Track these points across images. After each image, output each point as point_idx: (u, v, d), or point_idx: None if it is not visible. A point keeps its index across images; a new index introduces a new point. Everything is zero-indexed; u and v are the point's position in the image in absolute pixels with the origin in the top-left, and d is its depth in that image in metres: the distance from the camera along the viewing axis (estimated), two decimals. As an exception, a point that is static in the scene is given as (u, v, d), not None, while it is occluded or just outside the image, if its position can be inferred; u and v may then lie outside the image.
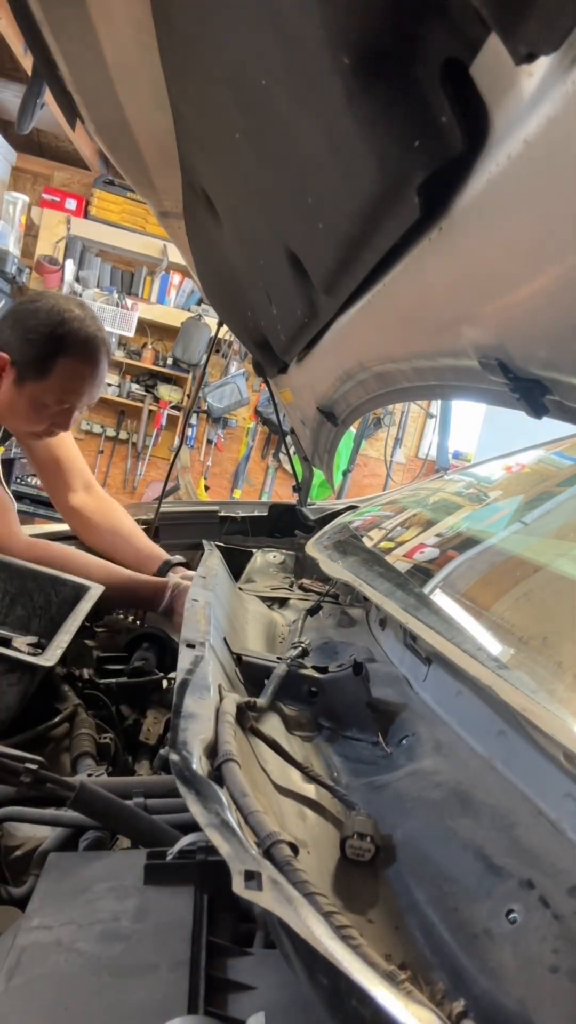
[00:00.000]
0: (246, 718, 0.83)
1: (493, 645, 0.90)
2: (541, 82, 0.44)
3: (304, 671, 1.04)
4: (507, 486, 1.71)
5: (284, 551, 2.10)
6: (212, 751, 0.60)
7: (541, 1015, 0.47)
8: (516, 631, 0.90)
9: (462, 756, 0.84)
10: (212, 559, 1.48)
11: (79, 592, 1.36)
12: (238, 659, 1.06)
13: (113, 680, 1.26)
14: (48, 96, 1.17)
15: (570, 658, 0.81)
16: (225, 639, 1.06)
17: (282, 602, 1.68)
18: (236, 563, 1.93)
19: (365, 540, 1.67)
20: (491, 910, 0.58)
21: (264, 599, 1.65)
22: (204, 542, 1.80)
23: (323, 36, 0.56)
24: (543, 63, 0.43)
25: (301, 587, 1.84)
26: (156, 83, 0.96)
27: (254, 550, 2.07)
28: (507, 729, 0.79)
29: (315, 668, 1.05)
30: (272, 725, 0.96)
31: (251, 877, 0.42)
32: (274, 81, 0.69)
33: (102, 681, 1.24)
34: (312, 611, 1.48)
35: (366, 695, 0.99)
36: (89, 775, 0.90)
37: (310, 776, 0.80)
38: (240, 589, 1.67)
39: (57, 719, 1.07)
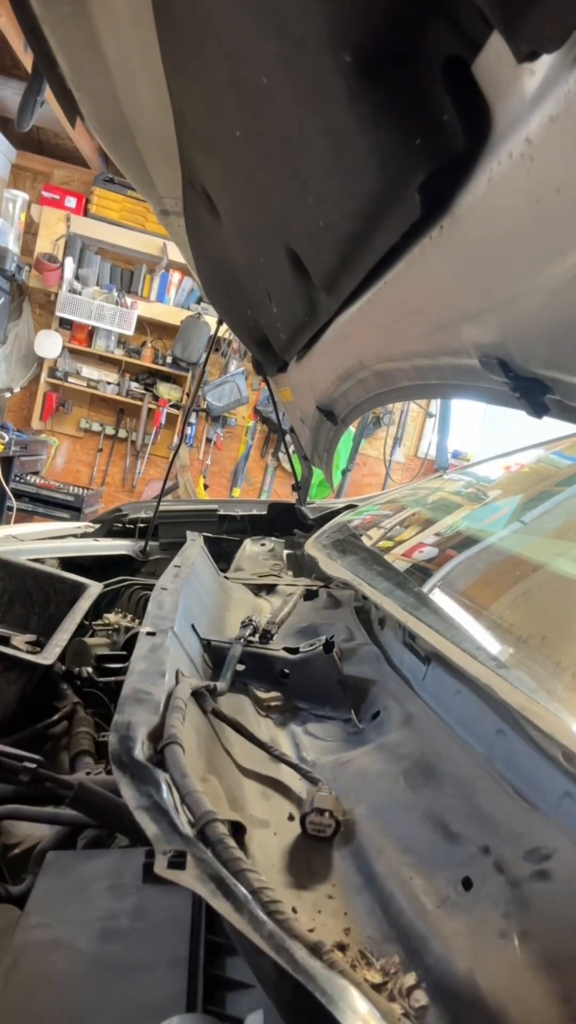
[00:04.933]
0: (206, 701, 0.83)
1: (492, 644, 0.90)
2: (543, 80, 0.44)
3: (274, 652, 1.04)
4: (506, 485, 1.71)
5: (273, 539, 2.10)
6: (158, 735, 0.60)
7: (487, 980, 0.48)
8: (515, 630, 0.90)
9: (430, 728, 0.84)
10: (192, 549, 1.47)
11: (78, 590, 1.35)
12: (207, 644, 1.06)
13: (112, 678, 1.26)
14: (48, 93, 1.17)
15: (569, 657, 0.81)
16: (193, 626, 1.05)
17: (269, 588, 1.68)
18: (228, 553, 1.93)
19: (364, 539, 1.67)
20: (447, 878, 0.58)
21: (251, 586, 1.65)
22: (188, 532, 1.79)
23: (324, 34, 0.55)
24: (545, 61, 0.43)
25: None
26: (156, 81, 0.96)
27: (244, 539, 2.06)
28: (506, 728, 0.79)
29: (286, 649, 1.05)
30: (243, 708, 0.96)
31: (176, 857, 0.42)
32: (275, 79, 0.69)
33: (101, 679, 1.24)
34: (308, 596, 1.48)
35: (337, 673, 1.00)
36: (88, 773, 0.90)
37: (274, 755, 0.80)
38: (227, 577, 1.66)
39: (56, 717, 1.07)
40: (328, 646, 1.01)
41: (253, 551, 1.98)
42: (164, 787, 0.50)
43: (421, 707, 0.90)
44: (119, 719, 0.61)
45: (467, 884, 0.56)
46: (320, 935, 0.55)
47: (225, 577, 1.66)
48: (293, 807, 0.74)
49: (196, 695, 0.79)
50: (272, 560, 1.96)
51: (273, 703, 1.01)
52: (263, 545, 2.07)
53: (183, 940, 0.54)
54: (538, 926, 0.50)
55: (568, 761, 0.61)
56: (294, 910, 0.58)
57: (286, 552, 2.07)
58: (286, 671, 1.03)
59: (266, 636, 1.12)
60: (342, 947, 0.55)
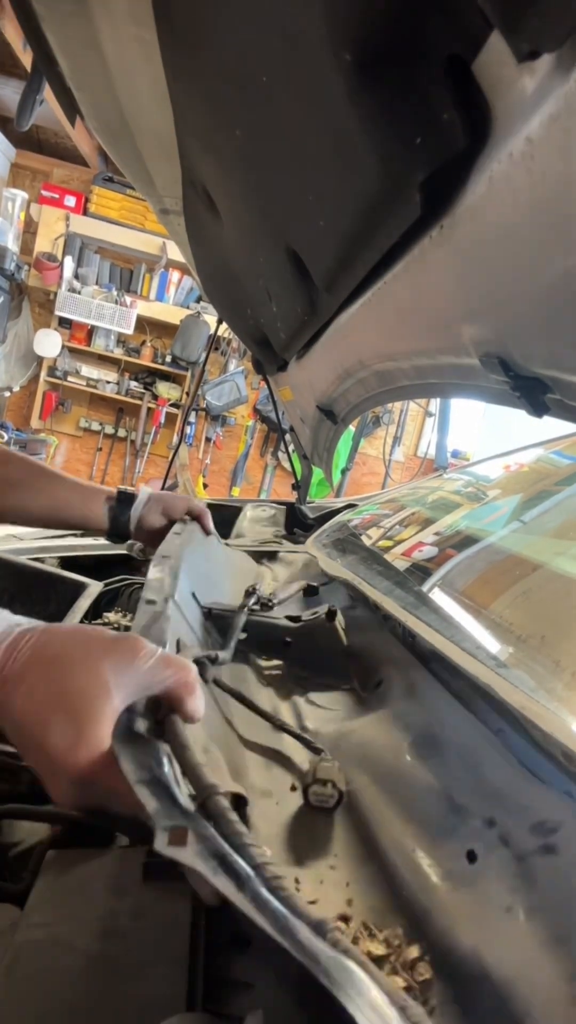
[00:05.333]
0: (207, 671, 0.82)
1: (492, 643, 0.90)
2: (543, 80, 0.44)
3: (276, 621, 1.02)
4: (506, 485, 1.71)
5: (274, 506, 2.08)
6: (158, 706, 0.59)
7: (492, 955, 0.47)
8: (515, 629, 0.90)
9: (433, 697, 0.84)
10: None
11: (78, 589, 1.36)
12: (208, 612, 1.04)
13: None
14: (48, 92, 1.17)
15: (568, 656, 0.81)
16: (194, 594, 1.03)
17: (271, 556, 1.67)
18: (229, 519, 1.91)
19: (364, 538, 1.67)
20: (451, 851, 0.58)
21: (252, 553, 1.63)
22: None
23: (325, 32, 0.55)
24: (546, 61, 0.43)
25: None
26: (156, 79, 0.96)
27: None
28: (506, 728, 0.79)
29: (288, 617, 1.03)
30: (244, 677, 0.95)
31: (175, 834, 0.41)
32: (275, 77, 0.69)
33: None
34: (308, 592, 1.46)
35: (339, 642, 0.98)
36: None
37: (276, 725, 0.79)
38: (228, 544, 1.65)
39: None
40: (331, 614, 0.99)
41: (255, 515, 1.96)
42: (165, 760, 0.49)
43: (424, 675, 0.90)
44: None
45: (471, 857, 0.56)
46: (323, 906, 0.56)
47: (226, 544, 1.64)
48: (295, 777, 0.74)
49: (197, 664, 0.78)
50: (273, 527, 1.94)
51: (275, 672, 0.99)
52: (264, 511, 2.05)
53: (183, 939, 0.54)
54: (544, 901, 0.50)
55: (568, 760, 0.61)
56: (296, 881, 0.58)
57: (275, 509, 2.06)
58: (288, 640, 1.01)
59: (267, 605, 1.09)
60: (345, 918, 0.55)
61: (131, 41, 0.90)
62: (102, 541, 2.10)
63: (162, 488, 2.13)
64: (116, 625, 1.57)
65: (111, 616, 1.63)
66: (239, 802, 0.53)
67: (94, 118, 1.15)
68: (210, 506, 1.67)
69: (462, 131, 0.52)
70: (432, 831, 0.61)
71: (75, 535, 1.91)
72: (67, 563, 1.69)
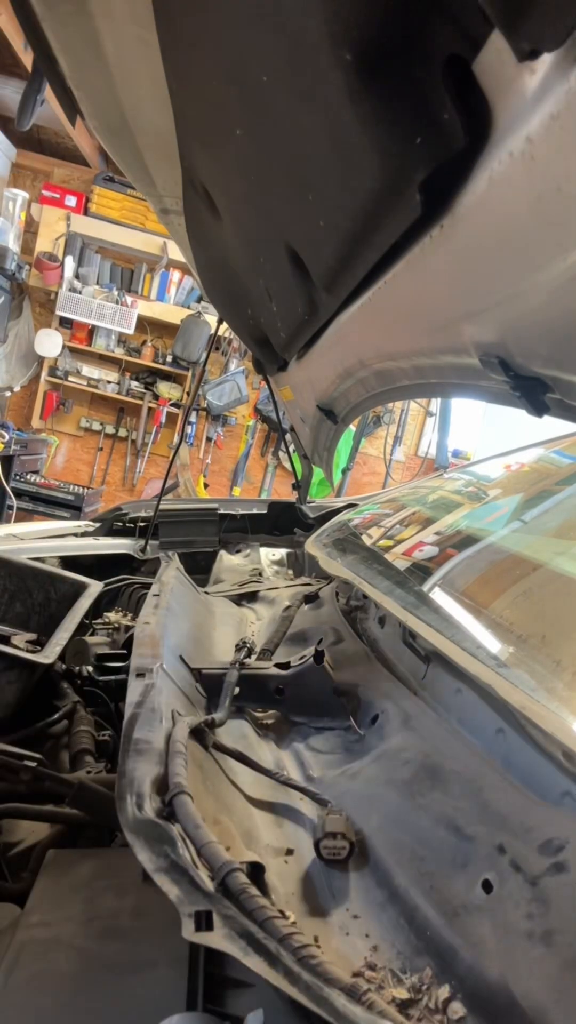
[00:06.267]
0: (207, 737, 0.82)
1: (492, 643, 0.90)
2: (544, 79, 0.44)
3: (266, 671, 1.02)
4: (506, 484, 1.71)
5: (248, 546, 2.10)
6: (164, 785, 0.59)
7: (520, 984, 0.47)
8: (515, 629, 0.90)
9: (429, 726, 0.84)
10: (167, 573, 1.44)
11: (78, 589, 1.36)
12: (198, 674, 1.04)
13: (112, 677, 1.26)
14: (48, 92, 1.17)
15: (569, 656, 0.81)
16: (181, 657, 1.04)
17: (251, 596, 1.67)
18: (205, 566, 1.94)
19: (364, 538, 1.67)
20: (467, 883, 0.58)
21: (232, 597, 1.64)
22: (161, 554, 1.77)
23: (325, 32, 0.55)
24: (546, 60, 0.43)
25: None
26: (156, 79, 0.96)
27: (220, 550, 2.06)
28: (506, 727, 0.79)
29: (277, 665, 1.03)
30: (242, 733, 0.95)
31: (201, 919, 0.41)
32: (275, 77, 0.69)
33: (101, 678, 1.24)
34: (308, 599, 1.47)
35: (331, 682, 0.99)
36: (88, 772, 0.90)
37: (280, 781, 0.79)
38: (207, 593, 1.65)
39: (56, 716, 1.07)
40: (318, 656, 0.99)
41: (231, 562, 1.97)
42: (179, 842, 0.49)
43: (417, 704, 0.90)
44: (122, 780, 0.58)
45: (487, 887, 0.56)
46: (349, 957, 0.56)
47: (206, 593, 1.65)
48: (306, 831, 0.74)
49: (195, 733, 0.78)
50: (250, 566, 1.96)
51: (271, 721, 1.00)
52: (238, 552, 2.07)
53: (183, 939, 0.54)
54: (562, 923, 0.50)
55: (568, 760, 0.61)
56: (316, 940, 0.58)
57: (285, 552, 2.07)
58: (281, 687, 1.01)
59: (264, 654, 1.10)
60: (371, 967, 0.55)
61: (131, 41, 0.90)
62: (102, 541, 2.10)
63: (162, 487, 2.12)
64: (116, 624, 1.57)
65: (111, 616, 1.63)
66: (256, 870, 0.53)
67: (94, 118, 1.15)
68: (183, 556, 1.64)
69: (462, 131, 0.52)
70: (447, 866, 0.61)
71: (75, 535, 1.91)
72: (67, 563, 1.69)
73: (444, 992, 0.50)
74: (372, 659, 1.08)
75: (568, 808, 0.63)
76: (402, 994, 0.51)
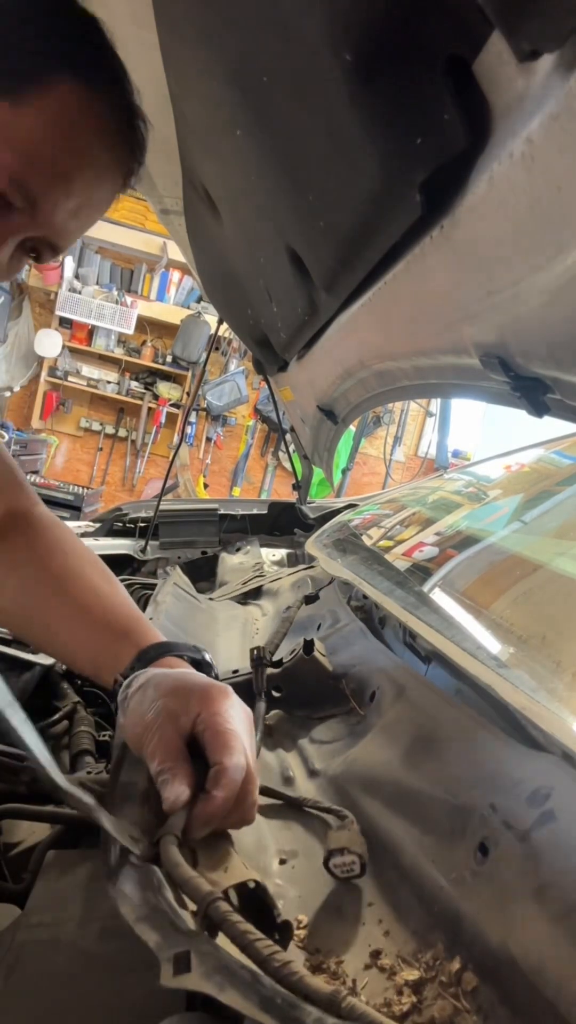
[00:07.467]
0: None
1: (492, 644, 0.90)
2: (544, 79, 0.44)
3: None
4: (506, 485, 1.71)
5: (249, 544, 2.09)
6: (152, 827, 0.57)
7: (518, 946, 0.48)
8: (515, 630, 0.90)
9: (421, 694, 0.84)
10: (164, 591, 1.43)
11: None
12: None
13: (112, 677, 1.26)
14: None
15: (569, 657, 0.81)
16: None
17: (256, 593, 1.67)
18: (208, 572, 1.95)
19: (364, 538, 1.67)
20: (466, 850, 0.58)
21: (235, 599, 1.63)
22: (159, 571, 1.76)
23: (325, 33, 0.55)
24: (546, 60, 0.43)
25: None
26: (157, 80, 0.96)
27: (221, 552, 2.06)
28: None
29: (271, 665, 1.03)
30: None
31: (179, 962, 0.41)
32: (275, 78, 0.69)
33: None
34: (308, 600, 1.46)
35: (326, 670, 0.98)
36: (88, 773, 0.90)
37: (287, 800, 0.78)
38: (211, 599, 1.65)
39: (56, 717, 1.07)
40: (308, 647, 0.99)
41: (232, 563, 1.96)
42: (160, 885, 0.49)
43: (409, 673, 0.90)
44: (104, 834, 0.56)
45: (484, 850, 0.56)
46: (363, 945, 0.57)
47: (210, 599, 1.64)
48: (316, 830, 0.73)
49: None
50: (252, 561, 1.95)
51: (273, 722, 0.99)
52: (238, 550, 2.06)
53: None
54: (552, 876, 0.50)
55: (568, 761, 0.61)
56: (317, 949, 0.58)
57: (285, 552, 2.07)
58: (277, 687, 1.01)
59: (277, 663, 1.08)
60: (377, 954, 0.55)
61: (131, 41, 0.90)
62: (102, 541, 2.10)
63: (162, 487, 2.12)
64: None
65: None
66: (258, 889, 0.53)
67: (94, 118, 1.15)
68: (183, 566, 1.62)
69: (462, 131, 0.52)
70: (447, 836, 0.61)
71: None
72: (67, 563, 1.68)
73: (456, 964, 0.50)
74: (367, 635, 1.08)
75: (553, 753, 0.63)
76: (413, 975, 0.51)
